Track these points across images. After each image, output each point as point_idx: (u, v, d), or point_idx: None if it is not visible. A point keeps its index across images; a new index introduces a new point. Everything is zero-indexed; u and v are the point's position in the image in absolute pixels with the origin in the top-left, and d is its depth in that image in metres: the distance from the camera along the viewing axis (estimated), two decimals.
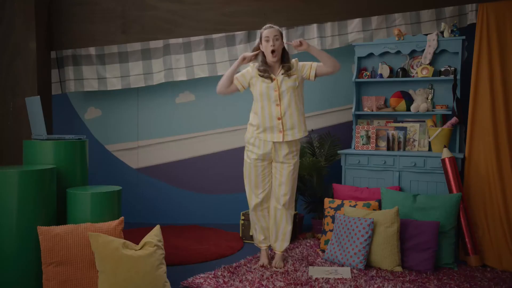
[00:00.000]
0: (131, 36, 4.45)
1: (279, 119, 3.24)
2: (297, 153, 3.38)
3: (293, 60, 3.32)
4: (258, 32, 3.42)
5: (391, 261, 3.27)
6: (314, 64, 3.29)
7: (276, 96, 3.23)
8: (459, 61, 3.99)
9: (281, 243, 3.45)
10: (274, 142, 3.27)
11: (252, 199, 3.42)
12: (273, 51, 3.20)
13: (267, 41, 3.22)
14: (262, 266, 3.39)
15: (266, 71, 3.25)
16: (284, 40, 4.37)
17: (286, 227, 3.42)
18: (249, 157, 3.37)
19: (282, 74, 3.25)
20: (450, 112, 3.98)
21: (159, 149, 5.02)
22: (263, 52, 3.29)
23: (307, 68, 3.29)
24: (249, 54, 3.33)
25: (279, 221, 3.41)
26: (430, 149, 4.11)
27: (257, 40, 3.33)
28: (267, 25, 3.30)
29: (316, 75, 3.29)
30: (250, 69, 3.33)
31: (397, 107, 4.17)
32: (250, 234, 4.13)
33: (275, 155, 3.31)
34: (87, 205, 2.80)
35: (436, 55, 4.13)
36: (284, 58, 3.29)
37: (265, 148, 3.30)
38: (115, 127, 5.05)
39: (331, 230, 3.73)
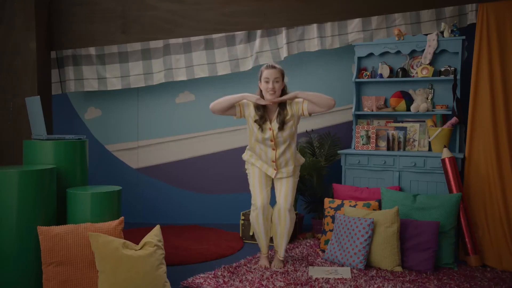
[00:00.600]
0: (131, 36, 4.45)
1: (273, 161, 3.26)
2: (298, 167, 3.39)
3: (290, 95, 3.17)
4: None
5: (391, 261, 3.27)
6: (305, 102, 3.15)
7: (272, 145, 3.22)
8: (459, 61, 3.99)
9: (282, 248, 3.42)
10: None
11: (261, 198, 3.33)
12: (273, 93, 3.11)
13: (267, 82, 3.12)
14: (264, 266, 3.39)
15: (262, 117, 3.15)
16: (283, 41, 4.35)
17: (284, 233, 3.38)
18: (250, 166, 3.39)
19: (277, 122, 3.15)
20: (450, 112, 3.98)
21: (159, 149, 5.02)
22: (261, 91, 3.18)
23: (300, 107, 3.16)
24: (255, 98, 3.14)
25: (277, 224, 3.38)
26: (430, 149, 4.11)
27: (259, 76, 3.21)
28: (269, 65, 3.17)
29: (309, 113, 3.17)
30: (250, 105, 3.22)
31: (397, 107, 4.17)
32: (250, 234, 4.14)
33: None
34: (87, 205, 2.80)
35: (436, 55, 4.13)
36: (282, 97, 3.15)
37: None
38: (115, 127, 5.05)
39: (331, 230, 3.73)
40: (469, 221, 3.53)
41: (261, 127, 3.18)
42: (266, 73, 3.14)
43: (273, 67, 3.16)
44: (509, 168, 3.51)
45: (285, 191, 3.33)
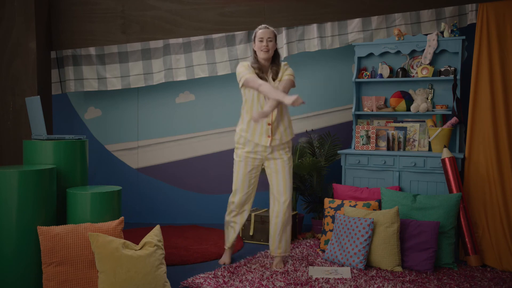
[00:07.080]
0: (131, 36, 4.45)
1: (269, 124, 3.28)
2: (289, 149, 3.41)
3: (282, 64, 3.35)
4: (253, 31, 3.42)
5: (391, 261, 3.27)
6: (287, 77, 3.29)
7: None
8: (459, 61, 3.99)
9: (286, 246, 3.43)
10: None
11: (239, 197, 3.41)
12: (266, 51, 3.24)
13: (261, 41, 3.27)
14: (223, 264, 3.47)
15: (260, 70, 3.27)
16: (282, 41, 4.35)
17: (285, 227, 3.40)
18: (239, 155, 3.39)
19: (271, 77, 3.29)
20: (450, 112, 3.98)
21: (159, 149, 5.03)
22: (255, 51, 3.32)
23: (284, 75, 3.31)
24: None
25: (277, 219, 3.39)
26: (430, 149, 4.11)
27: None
28: (262, 26, 3.34)
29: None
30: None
31: (397, 107, 4.17)
32: (250, 234, 4.15)
33: (266, 153, 3.34)
34: (87, 205, 2.81)
35: (436, 55, 4.13)
36: (275, 60, 3.33)
37: (255, 147, 3.33)
38: (115, 127, 5.05)
39: (331, 230, 3.73)
40: (469, 221, 3.53)
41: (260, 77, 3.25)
42: (260, 33, 3.29)
43: (266, 27, 3.32)
44: (509, 168, 3.51)
45: (283, 183, 3.35)
